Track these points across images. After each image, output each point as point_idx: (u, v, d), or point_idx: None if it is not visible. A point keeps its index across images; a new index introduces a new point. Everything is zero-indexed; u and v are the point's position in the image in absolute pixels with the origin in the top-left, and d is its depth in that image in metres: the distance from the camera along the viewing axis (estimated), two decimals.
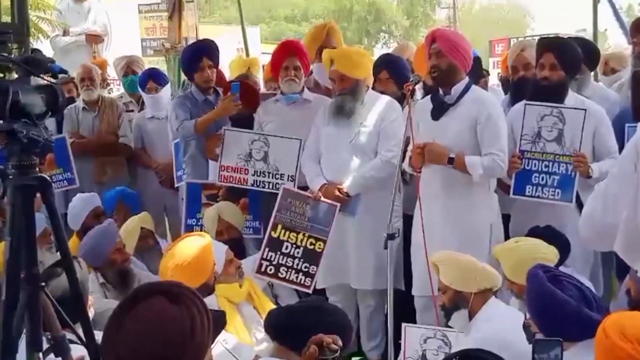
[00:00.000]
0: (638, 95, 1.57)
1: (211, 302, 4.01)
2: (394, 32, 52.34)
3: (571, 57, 4.91)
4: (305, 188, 5.31)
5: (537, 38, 6.73)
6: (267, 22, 48.36)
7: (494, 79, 15.92)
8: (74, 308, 2.54)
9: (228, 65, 7.57)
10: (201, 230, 5.23)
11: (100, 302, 4.17)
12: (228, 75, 7.10)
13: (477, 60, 5.66)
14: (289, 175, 5.48)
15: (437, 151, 4.71)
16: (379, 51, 31.05)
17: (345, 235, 5.23)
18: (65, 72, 2.52)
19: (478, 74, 5.69)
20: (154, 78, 7.09)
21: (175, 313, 2.05)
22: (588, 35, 8.46)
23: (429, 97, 4.97)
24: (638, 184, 2.30)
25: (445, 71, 4.78)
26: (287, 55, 5.69)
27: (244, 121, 5.79)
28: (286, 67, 5.64)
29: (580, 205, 4.80)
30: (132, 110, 7.53)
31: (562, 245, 4.37)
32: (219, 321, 2.31)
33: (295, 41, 6.30)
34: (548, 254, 4.16)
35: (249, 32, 15.63)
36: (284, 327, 3.37)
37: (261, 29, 35.38)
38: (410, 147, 4.80)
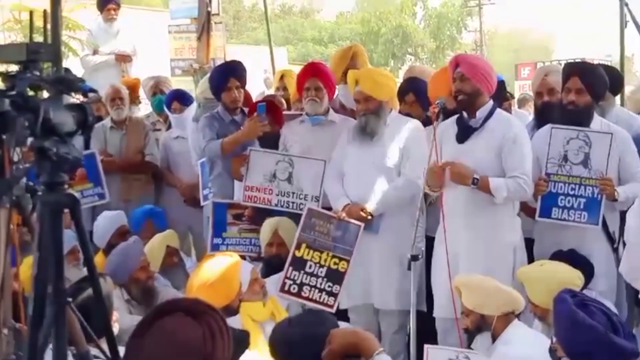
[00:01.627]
0: None
1: (235, 320, 4.03)
2: (420, 55, 52.47)
3: (598, 82, 4.92)
4: (330, 209, 5.32)
5: (562, 63, 6.72)
6: (294, 43, 48.67)
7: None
8: (99, 323, 2.57)
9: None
10: (227, 250, 5.27)
11: (125, 318, 4.22)
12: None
13: (501, 83, 5.67)
14: (313, 196, 5.49)
15: (462, 172, 4.71)
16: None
17: (369, 255, 5.22)
18: (94, 91, 2.56)
19: (502, 97, 5.69)
20: (179, 98, 7.17)
21: (195, 329, 2.07)
22: (614, 60, 8.43)
23: (451, 119, 4.97)
24: None
25: (470, 95, 4.80)
26: (309, 76, 5.72)
27: (271, 140, 5.82)
28: (308, 88, 5.67)
29: (605, 228, 4.80)
30: (160, 130, 7.61)
31: (586, 269, 4.36)
32: (241, 340, 2.33)
33: (318, 62, 6.34)
34: (573, 278, 4.15)
35: (276, 53, 15.76)
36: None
37: (288, 50, 35.64)
38: (426, 167, 4.80)
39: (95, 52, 9.57)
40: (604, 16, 7.77)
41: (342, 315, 5.20)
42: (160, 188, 7.23)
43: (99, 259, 5.59)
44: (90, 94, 2.48)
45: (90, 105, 2.40)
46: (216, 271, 4.11)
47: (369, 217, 5.15)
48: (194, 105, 7.16)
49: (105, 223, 5.86)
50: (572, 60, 6.73)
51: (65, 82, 2.35)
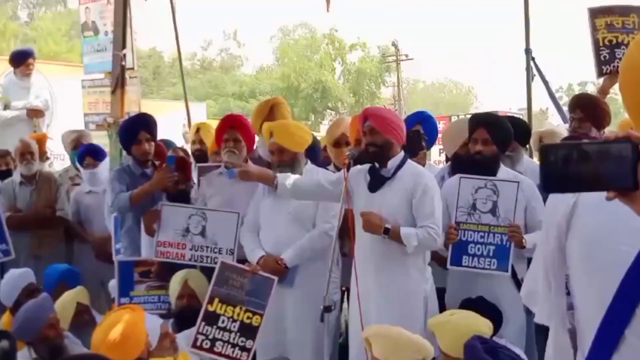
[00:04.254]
0: (545, 168, 1.62)
1: None
2: (340, 109, 53.21)
3: (503, 133, 5.05)
4: (245, 260, 5.29)
5: None
6: (214, 98, 48.82)
7: (435, 155, 16.24)
8: None
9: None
10: None
11: None
12: None
13: (417, 134, 5.78)
14: (227, 249, 5.47)
15: (373, 221, 4.74)
16: (325, 128, 31.39)
17: (284, 308, 5.20)
18: None
19: (418, 147, 5.80)
20: (92, 154, 7.10)
21: None
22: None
23: (362, 167, 5.02)
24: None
25: (381, 147, 4.86)
26: (227, 127, 5.75)
27: (180, 197, 5.78)
28: (226, 139, 5.70)
29: (514, 276, 4.89)
30: (79, 184, 7.50)
31: (495, 315, 4.42)
32: None
33: (236, 115, 6.37)
34: (482, 326, 4.19)
35: (195, 108, 15.73)
36: None
37: (209, 105, 35.66)
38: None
39: (6, 107, 9.42)
40: (518, 71, 7.98)
41: None
42: (72, 244, 7.09)
43: (5, 318, 5.44)
44: None
45: None
46: (120, 326, 4.02)
47: (284, 269, 5.14)
48: (107, 160, 7.10)
49: (12, 281, 5.70)
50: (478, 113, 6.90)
51: None
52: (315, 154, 5.78)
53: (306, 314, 5.05)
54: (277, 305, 5.12)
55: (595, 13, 7.19)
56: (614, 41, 7.05)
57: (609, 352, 2.04)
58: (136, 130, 5.91)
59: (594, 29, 7.17)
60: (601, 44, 7.10)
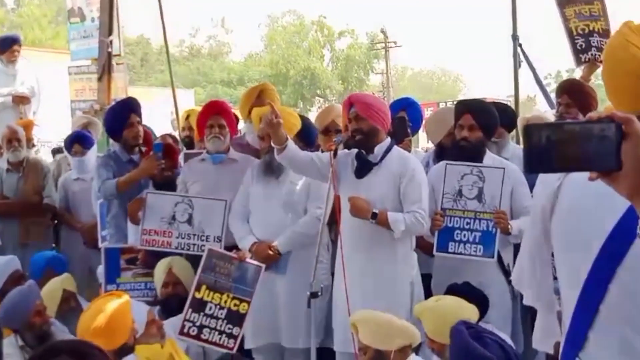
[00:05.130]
0: (528, 148, 1.62)
1: None
2: (329, 96, 53.19)
3: (488, 119, 5.06)
4: (234, 247, 5.29)
5: None
6: (203, 86, 48.69)
7: (423, 142, 16.26)
8: None
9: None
10: None
11: None
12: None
13: (402, 120, 5.78)
14: (215, 237, 5.44)
15: (361, 206, 4.75)
16: (313, 115, 31.41)
17: (275, 293, 5.21)
18: None
19: (403, 134, 5.80)
20: (80, 141, 7.07)
21: None
22: None
23: (349, 152, 5.02)
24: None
25: (367, 133, 4.87)
26: (211, 113, 5.73)
27: (166, 184, 5.77)
28: (211, 125, 5.67)
29: (500, 262, 4.91)
30: None
31: (481, 300, 4.44)
32: None
33: (220, 101, 6.36)
34: (469, 312, 4.21)
35: (183, 95, 15.69)
36: None
37: (197, 92, 35.62)
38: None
39: None
40: (506, 57, 7.99)
41: (248, 355, 5.17)
42: (59, 232, 7.08)
43: None
44: None
45: None
46: (106, 313, 4.02)
47: (277, 255, 5.15)
48: (95, 148, 7.08)
49: None
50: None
51: None
52: (310, 137, 5.72)
53: (299, 300, 5.00)
54: (270, 291, 5.14)
55: (563, 3, 7.24)
56: (586, 29, 7.10)
57: (585, 328, 2.07)
58: (126, 113, 5.90)
59: (565, 19, 7.22)
60: (575, 33, 7.15)
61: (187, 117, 7.30)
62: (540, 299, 2.43)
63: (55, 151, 8.83)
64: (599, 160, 1.56)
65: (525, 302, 2.55)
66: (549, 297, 2.41)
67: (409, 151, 5.72)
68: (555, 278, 2.34)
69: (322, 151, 5.31)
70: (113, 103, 8.25)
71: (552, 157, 1.58)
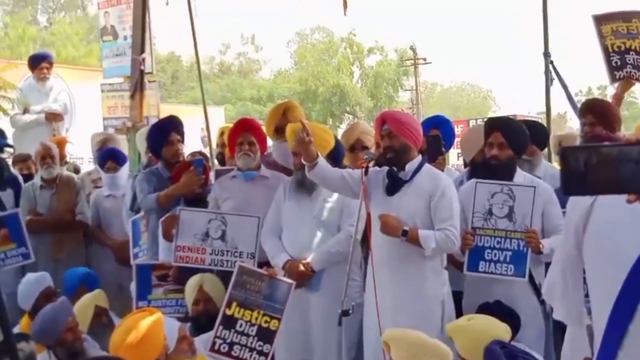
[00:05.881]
0: (565, 171, 1.62)
1: None
2: (358, 113, 53.21)
3: (518, 136, 5.03)
4: (266, 263, 5.29)
5: None
6: (232, 102, 48.94)
7: (453, 159, 16.21)
8: None
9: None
10: None
11: None
12: None
13: (437, 139, 5.78)
14: (248, 253, 5.44)
15: (392, 223, 4.74)
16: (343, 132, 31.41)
17: (308, 311, 5.20)
18: (10, 146, 2.54)
19: (438, 152, 5.80)
20: (114, 158, 7.14)
21: None
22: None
23: (380, 169, 5.01)
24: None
25: (399, 151, 4.86)
26: (241, 131, 5.76)
27: (196, 200, 5.80)
28: (240, 142, 5.70)
29: (532, 281, 4.87)
30: (102, 187, 7.54)
31: (513, 320, 4.41)
32: None
33: (250, 118, 6.41)
34: (501, 331, 4.18)
35: (213, 112, 15.78)
36: None
37: (227, 109, 35.78)
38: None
39: (25, 111, 9.51)
40: (537, 74, 7.97)
41: None
42: (91, 247, 7.14)
43: (25, 321, 5.49)
44: (7, 149, 2.46)
45: (5, 160, 2.37)
46: (139, 329, 4.04)
47: (310, 273, 5.14)
48: (127, 165, 7.14)
49: (30, 285, 5.74)
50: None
51: None
52: (338, 155, 5.73)
53: (332, 318, 4.95)
54: (303, 309, 5.14)
55: (600, 20, 7.19)
56: (623, 47, 7.04)
57: (615, 347, 2.05)
58: (167, 131, 5.96)
59: (601, 36, 7.16)
60: (611, 50, 7.09)
61: (222, 134, 7.34)
62: (570, 314, 2.43)
63: (75, 171, 8.92)
64: (636, 183, 1.55)
65: (555, 316, 2.54)
66: (580, 312, 2.40)
67: (443, 169, 5.72)
68: (586, 295, 2.33)
69: (352, 169, 5.31)
70: (145, 121, 8.34)
71: (589, 180, 1.57)
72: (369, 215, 4.93)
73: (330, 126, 47.49)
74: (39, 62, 9.62)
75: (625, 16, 7.10)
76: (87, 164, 10.94)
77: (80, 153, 10.85)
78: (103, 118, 10.13)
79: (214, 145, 8.61)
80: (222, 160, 7.04)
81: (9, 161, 7.56)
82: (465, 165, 6.17)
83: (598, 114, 5.88)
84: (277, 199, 5.46)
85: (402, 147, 4.86)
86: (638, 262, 1.99)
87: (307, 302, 5.18)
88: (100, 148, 7.72)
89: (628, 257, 2.01)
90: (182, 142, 6.05)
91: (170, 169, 5.91)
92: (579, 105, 7.82)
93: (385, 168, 4.97)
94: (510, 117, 6.80)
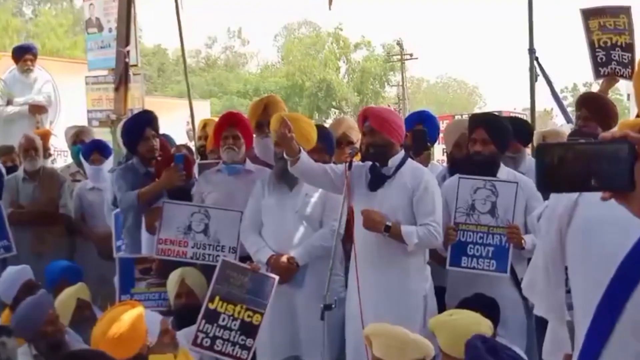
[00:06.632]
0: (539, 168, 1.62)
1: None
2: (344, 108, 53.16)
3: (501, 133, 5.05)
4: (247, 258, 5.28)
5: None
6: (219, 96, 48.83)
7: (438, 154, 16.24)
8: None
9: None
10: None
11: None
12: None
13: (423, 133, 5.79)
14: (230, 247, 5.46)
15: (374, 218, 4.75)
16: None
17: (293, 307, 5.19)
18: None
19: (423, 146, 5.80)
20: (100, 150, 7.10)
21: None
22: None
23: (363, 164, 5.02)
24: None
25: (382, 147, 4.87)
26: (227, 125, 5.74)
27: (180, 193, 5.77)
28: (225, 136, 5.67)
29: (514, 276, 4.89)
30: (80, 180, 7.50)
31: (493, 309, 4.43)
32: None
33: (236, 112, 6.36)
34: (483, 326, 4.19)
35: (199, 105, 15.71)
36: None
37: (212, 103, 35.68)
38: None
39: (9, 103, 9.44)
40: (523, 70, 8.00)
41: None
42: (74, 240, 7.10)
43: (5, 315, 5.46)
44: None
45: None
46: (120, 322, 4.02)
47: (295, 267, 5.13)
48: (111, 158, 7.10)
49: (10, 278, 5.69)
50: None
51: None
52: (331, 147, 5.66)
53: (317, 313, 4.95)
54: (288, 305, 5.14)
55: (588, 14, 7.22)
56: (609, 43, 7.08)
57: (599, 344, 2.06)
58: (142, 127, 5.90)
59: (588, 31, 7.20)
60: (597, 46, 7.13)
61: (204, 127, 7.31)
62: (552, 310, 2.43)
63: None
64: (611, 181, 1.55)
65: (536, 312, 2.55)
66: (561, 308, 2.40)
67: (427, 164, 5.72)
68: (568, 291, 2.33)
69: (336, 163, 5.31)
70: (129, 113, 8.29)
71: (564, 176, 1.57)
72: (351, 210, 4.94)
73: (316, 121, 47.48)
74: (23, 54, 9.56)
75: (614, 11, 7.13)
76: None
77: (64, 146, 10.80)
78: (87, 110, 10.05)
79: None
80: (203, 153, 7.00)
81: None
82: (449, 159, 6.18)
83: (593, 108, 5.87)
84: (255, 194, 5.43)
85: (384, 143, 4.87)
86: (626, 260, 1.99)
87: (291, 298, 5.17)
88: (74, 142, 7.68)
89: (612, 254, 2.01)
90: (157, 136, 5.99)
91: (146, 164, 5.88)
92: (565, 102, 7.85)
93: (368, 163, 4.97)
94: (496, 113, 6.82)
